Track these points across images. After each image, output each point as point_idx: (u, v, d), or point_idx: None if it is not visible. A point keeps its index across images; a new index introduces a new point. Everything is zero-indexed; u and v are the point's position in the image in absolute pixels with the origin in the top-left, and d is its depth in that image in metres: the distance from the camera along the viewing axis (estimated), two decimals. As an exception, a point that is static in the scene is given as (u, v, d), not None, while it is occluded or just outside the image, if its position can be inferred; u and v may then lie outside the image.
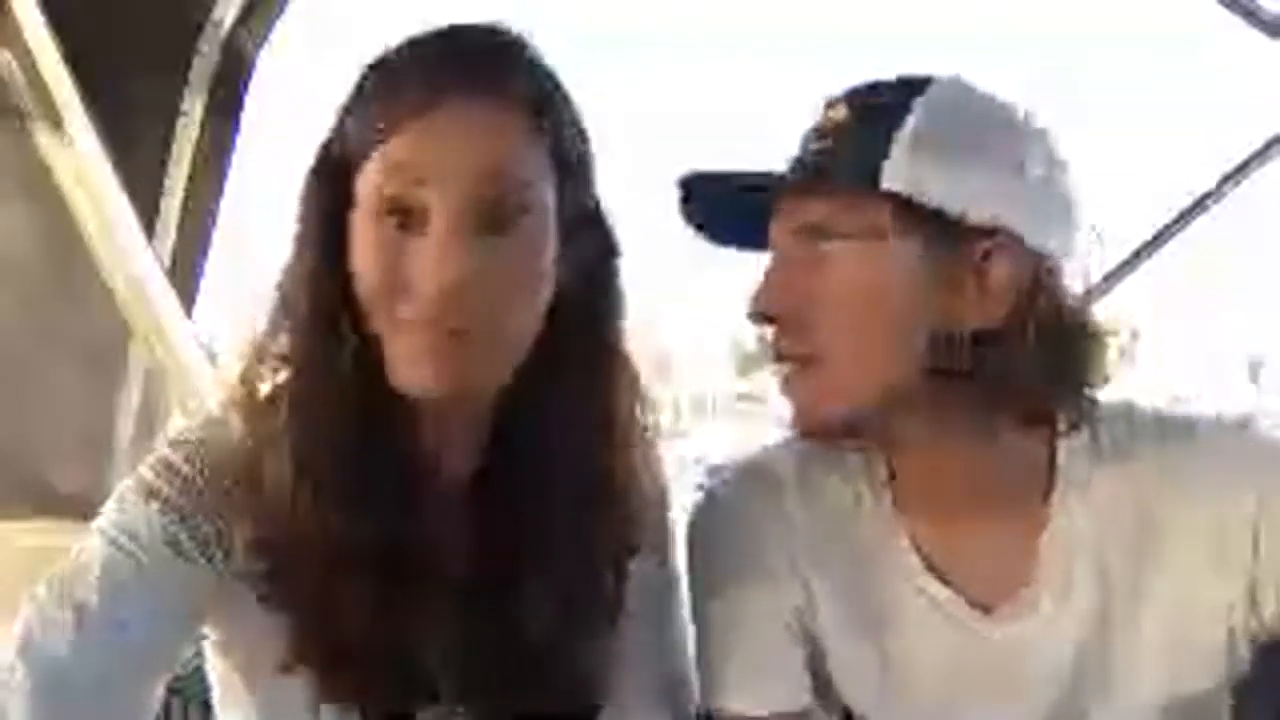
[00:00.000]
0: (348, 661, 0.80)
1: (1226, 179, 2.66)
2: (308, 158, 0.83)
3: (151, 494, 0.81)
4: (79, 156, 2.07)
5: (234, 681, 0.88)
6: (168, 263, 2.30)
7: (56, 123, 2.04)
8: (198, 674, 0.91)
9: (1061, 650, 0.90)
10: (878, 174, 0.83)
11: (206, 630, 0.87)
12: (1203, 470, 0.88)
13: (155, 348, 2.17)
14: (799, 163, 0.89)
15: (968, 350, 0.85)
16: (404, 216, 0.76)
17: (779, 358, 0.90)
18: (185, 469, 0.82)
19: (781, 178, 0.90)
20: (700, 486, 1.05)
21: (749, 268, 0.94)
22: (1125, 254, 2.67)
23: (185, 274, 2.36)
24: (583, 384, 0.85)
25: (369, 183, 0.77)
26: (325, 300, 0.79)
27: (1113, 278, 2.59)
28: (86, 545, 0.80)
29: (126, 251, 2.12)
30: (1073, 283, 0.89)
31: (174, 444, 0.84)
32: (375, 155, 0.76)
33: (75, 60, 2.04)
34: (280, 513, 0.79)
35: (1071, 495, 0.90)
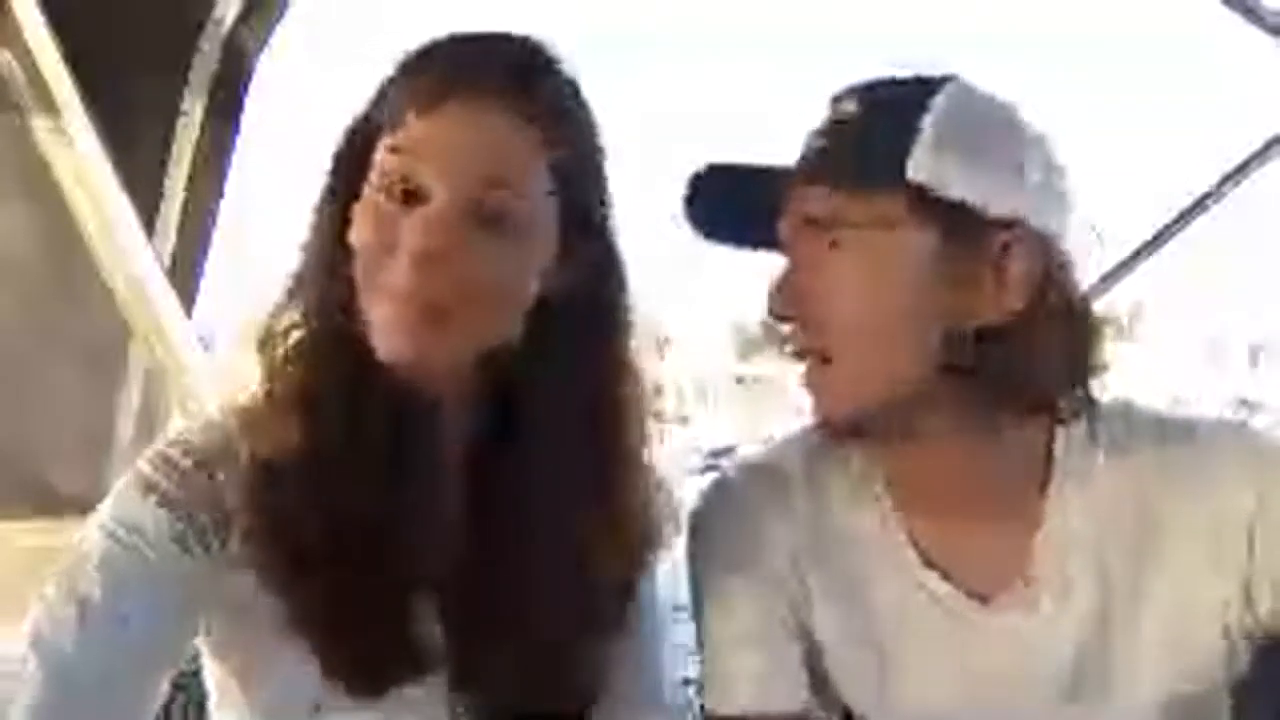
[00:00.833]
0: (348, 639, 0.81)
1: (1226, 179, 2.66)
2: (308, 158, 0.86)
3: (149, 488, 0.81)
4: (79, 156, 2.07)
5: (230, 686, 0.88)
6: (168, 263, 2.31)
7: (56, 122, 2.04)
8: (200, 672, 0.91)
9: (1062, 650, 0.90)
10: (902, 165, 0.84)
11: (204, 630, 0.88)
12: (1201, 468, 0.88)
13: (155, 348, 2.17)
14: (811, 154, 0.89)
15: (980, 344, 0.86)
16: (405, 197, 0.78)
17: (798, 353, 0.90)
18: (183, 463, 0.83)
19: (791, 170, 0.89)
20: (704, 470, 1.05)
21: (750, 253, 0.95)
22: (1125, 254, 2.68)
23: (185, 274, 2.36)
24: (583, 385, 0.86)
25: (377, 164, 0.80)
26: (332, 281, 0.81)
27: (1113, 277, 2.60)
28: (86, 538, 0.81)
29: (126, 251, 2.13)
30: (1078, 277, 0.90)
31: (172, 441, 0.85)
32: (386, 140, 0.80)
33: (75, 60, 2.04)
34: (277, 502, 0.80)
35: (1068, 491, 0.90)
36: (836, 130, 0.88)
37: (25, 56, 1.99)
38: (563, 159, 0.81)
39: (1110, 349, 0.91)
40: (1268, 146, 2.62)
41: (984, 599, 0.91)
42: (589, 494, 0.87)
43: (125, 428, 2.29)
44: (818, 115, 0.91)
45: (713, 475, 1.05)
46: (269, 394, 0.84)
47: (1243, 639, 0.87)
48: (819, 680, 0.97)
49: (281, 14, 2.47)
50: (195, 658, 0.90)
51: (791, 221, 0.89)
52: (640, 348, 0.90)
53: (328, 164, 0.86)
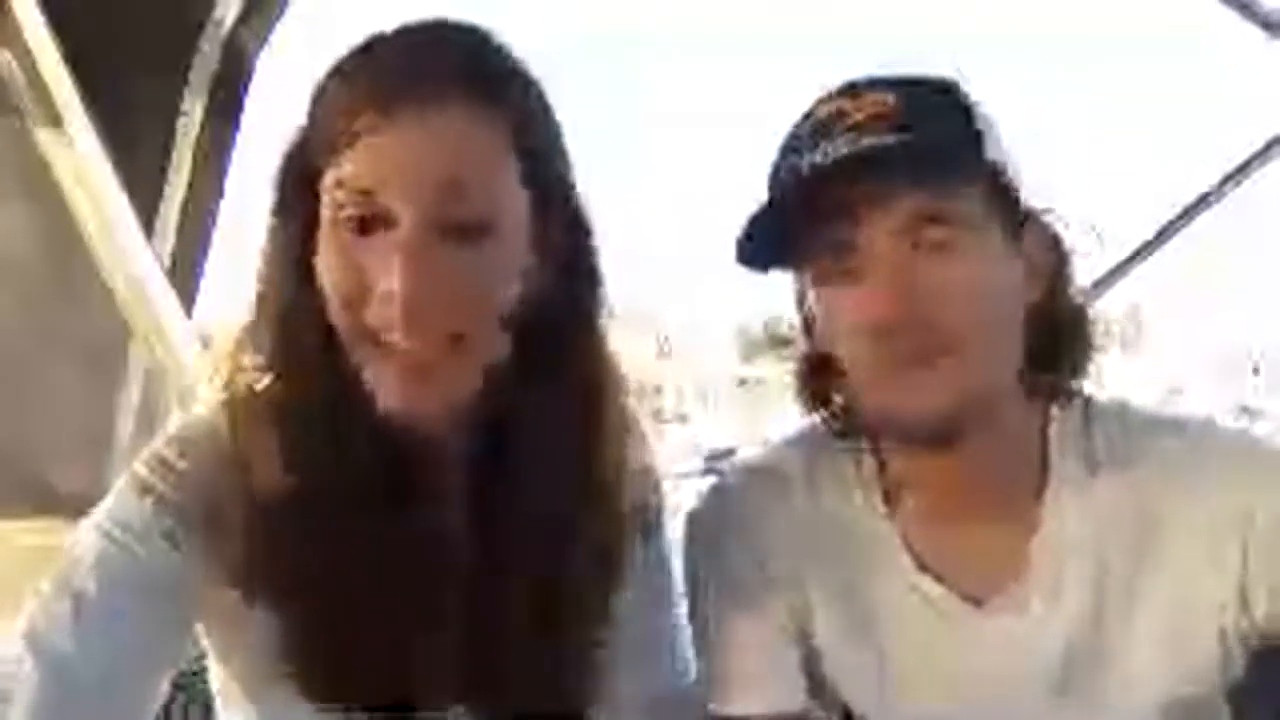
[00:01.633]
0: (342, 659, 0.81)
1: (1226, 179, 2.66)
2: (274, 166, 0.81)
3: (146, 489, 0.81)
4: (79, 156, 2.06)
5: (233, 689, 0.88)
6: (168, 263, 2.30)
7: (56, 123, 2.04)
8: (202, 672, 0.91)
9: (1052, 648, 0.90)
10: (980, 159, 0.84)
11: (203, 634, 0.87)
12: (1198, 468, 0.88)
13: (155, 348, 2.17)
14: (883, 158, 0.82)
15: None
16: (363, 225, 0.74)
17: (902, 363, 0.84)
18: (179, 464, 0.82)
19: (871, 158, 0.82)
20: (705, 472, 1.05)
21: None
22: (1125, 254, 2.68)
23: (185, 274, 2.36)
24: (566, 381, 0.84)
25: (329, 196, 0.75)
26: (296, 311, 0.78)
27: (1114, 276, 2.60)
28: (81, 540, 0.80)
29: (126, 251, 2.12)
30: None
31: (169, 440, 0.84)
32: (333, 169, 0.75)
33: (75, 60, 2.04)
34: (268, 514, 0.79)
35: (1065, 496, 0.91)
36: (897, 127, 0.82)
37: (25, 57, 1.99)
38: (531, 142, 0.77)
39: (1110, 350, 0.92)
40: (1268, 146, 2.62)
41: (978, 602, 0.91)
42: (578, 490, 0.85)
43: (125, 428, 2.29)
44: (844, 111, 0.86)
45: (712, 477, 1.05)
46: (249, 440, 0.80)
47: (1239, 643, 0.87)
48: (818, 682, 0.97)
49: (281, 14, 2.47)
50: (195, 658, 0.90)
51: (880, 226, 0.83)
52: (640, 337, 0.89)
53: (271, 189, 0.80)
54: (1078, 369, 0.91)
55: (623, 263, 0.89)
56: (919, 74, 0.89)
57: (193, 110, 2.34)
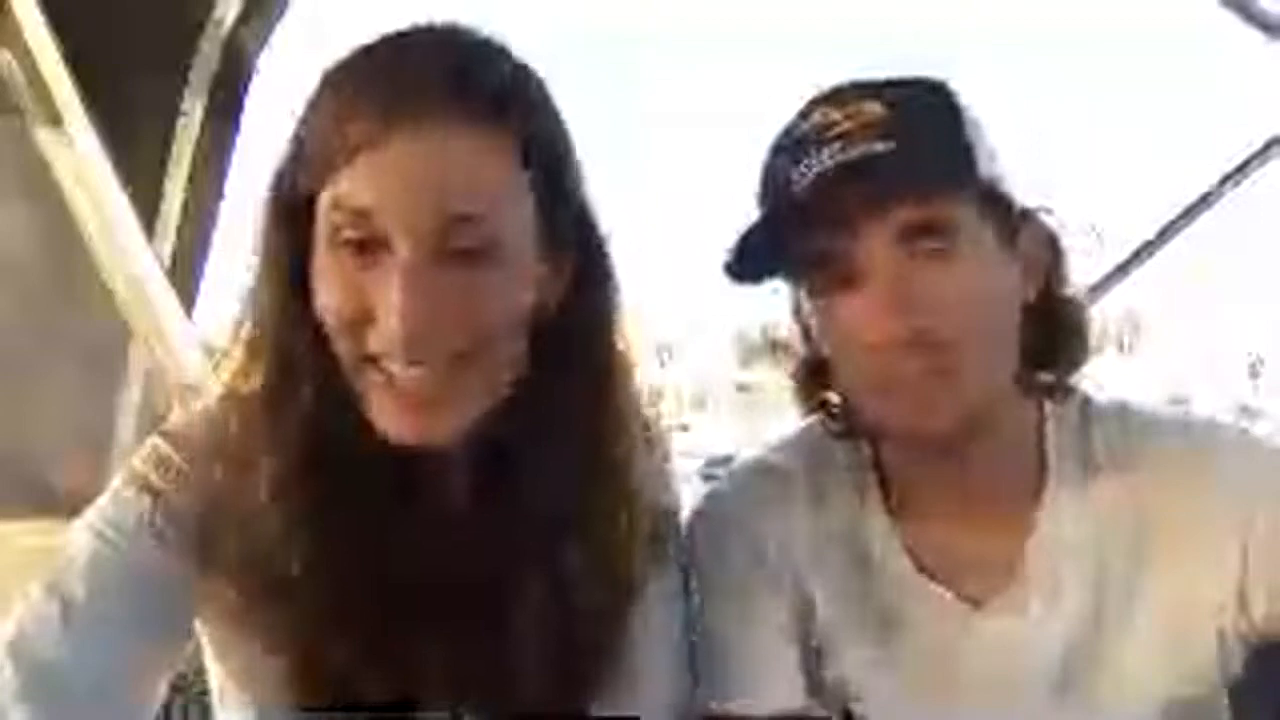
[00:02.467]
0: (342, 659, 0.79)
1: (1226, 179, 2.67)
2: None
3: (143, 487, 0.80)
4: (79, 156, 2.06)
5: (232, 689, 0.88)
6: (168, 263, 2.30)
7: (56, 122, 2.04)
8: (202, 672, 0.91)
9: (1051, 649, 0.90)
10: (972, 166, 0.84)
11: (201, 630, 0.87)
12: (1197, 469, 0.89)
13: (155, 348, 2.16)
14: (877, 166, 0.82)
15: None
16: (361, 248, 0.71)
17: (906, 379, 0.83)
18: (177, 461, 0.81)
19: (861, 168, 0.82)
20: (704, 478, 1.05)
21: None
22: (1126, 254, 2.68)
23: (185, 274, 2.36)
24: (579, 392, 0.83)
25: (325, 217, 0.72)
26: (290, 333, 0.76)
27: (1114, 276, 2.60)
28: (74, 540, 0.79)
29: (126, 251, 2.12)
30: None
31: (167, 435, 0.84)
32: (329, 189, 0.72)
33: (75, 60, 2.04)
34: (267, 512, 0.78)
35: (1063, 497, 0.91)
36: (885, 135, 0.82)
37: (25, 57, 1.99)
38: (538, 155, 0.74)
39: (1107, 352, 0.93)
40: (1268, 146, 2.62)
41: (977, 603, 0.91)
42: (589, 495, 0.84)
43: (125, 428, 2.28)
44: (832, 117, 0.85)
45: (712, 483, 1.05)
46: (248, 437, 0.79)
47: (1238, 643, 0.88)
48: (817, 682, 0.97)
49: (281, 14, 2.47)
50: (194, 658, 0.89)
51: (879, 237, 0.82)
52: (638, 341, 0.88)
53: (261, 212, 0.77)
54: (1074, 365, 0.91)
55: (622, 264, 0.88)
56: (907, 75, 0.88)
57: (193, 110, 2.34)
